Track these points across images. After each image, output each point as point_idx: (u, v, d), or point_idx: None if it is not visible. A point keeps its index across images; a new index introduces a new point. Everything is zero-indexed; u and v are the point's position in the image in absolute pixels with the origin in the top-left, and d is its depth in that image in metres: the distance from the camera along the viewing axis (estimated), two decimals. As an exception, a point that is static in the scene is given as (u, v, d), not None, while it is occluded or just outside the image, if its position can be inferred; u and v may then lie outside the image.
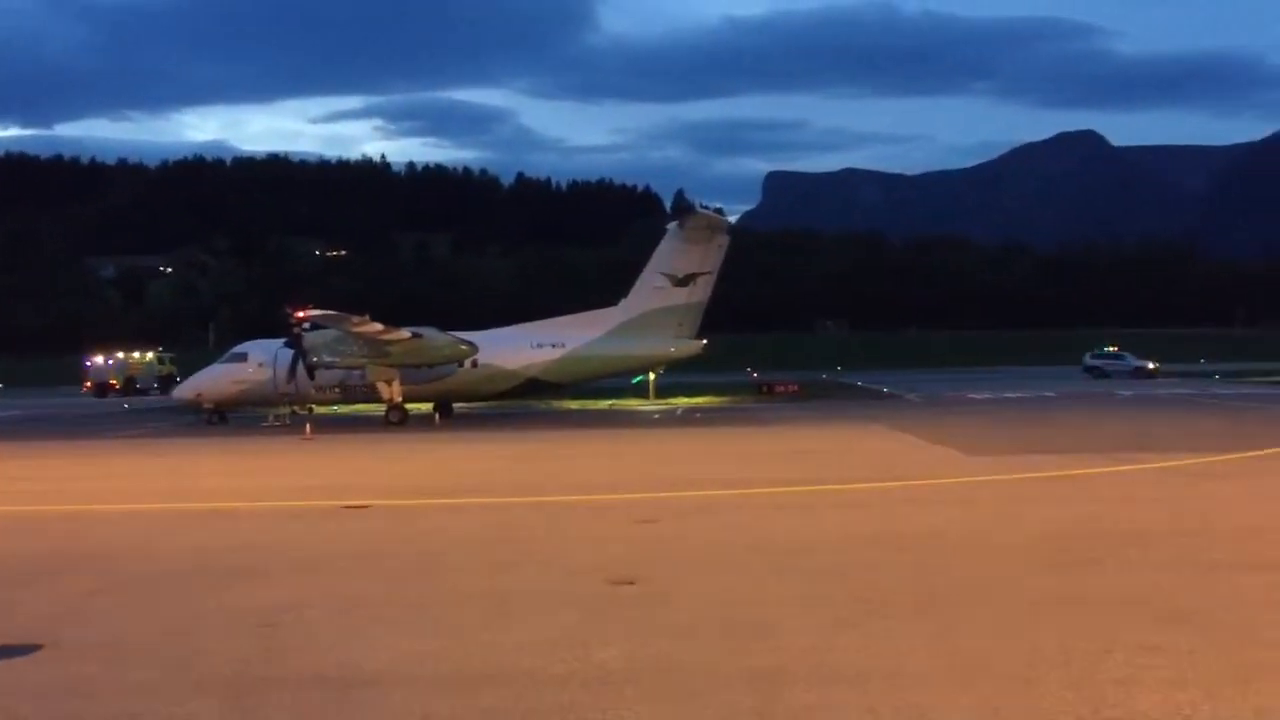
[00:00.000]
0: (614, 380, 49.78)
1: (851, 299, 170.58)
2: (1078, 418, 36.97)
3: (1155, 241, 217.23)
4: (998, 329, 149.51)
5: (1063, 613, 10.03)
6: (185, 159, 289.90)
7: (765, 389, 57.98)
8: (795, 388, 57.85)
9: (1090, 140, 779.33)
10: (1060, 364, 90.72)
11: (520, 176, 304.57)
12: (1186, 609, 10.06)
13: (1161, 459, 22.92)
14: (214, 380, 44.50)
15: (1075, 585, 11.24)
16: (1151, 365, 74.05)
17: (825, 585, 11.50)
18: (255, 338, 47.48)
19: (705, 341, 46.28)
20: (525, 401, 49.01)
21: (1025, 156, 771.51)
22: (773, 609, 10.34)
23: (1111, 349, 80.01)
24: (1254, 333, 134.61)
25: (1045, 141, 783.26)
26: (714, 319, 47.48)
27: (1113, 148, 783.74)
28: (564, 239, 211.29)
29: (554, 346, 44.67)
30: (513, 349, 44.75)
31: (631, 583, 11.67)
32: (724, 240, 46.13)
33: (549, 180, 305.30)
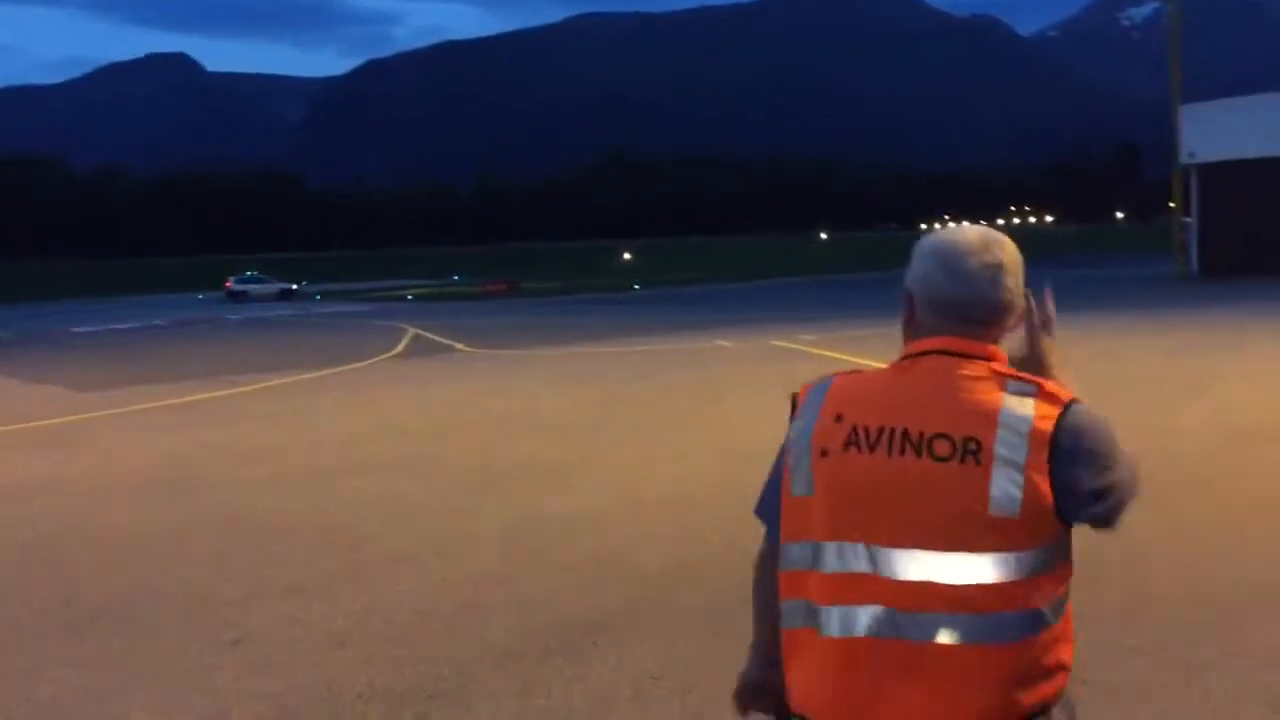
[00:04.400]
0: None
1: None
2: (194, 345, 36.32)
3: (263, 169, 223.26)
4: (101, 258, 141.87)
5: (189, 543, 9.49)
6: None
7: None
8: None
9: (183, 63, 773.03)
10: (183, 291, 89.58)
11: None
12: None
13: (276, 377, 23.35)
14: None
15: (192, 510, 10.76)
16: (295, 287, 77.88)
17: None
18: None
19: None
20: None
21: (118, 76, 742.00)
22: None
23: (252, 273, 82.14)
24: (370, 255, 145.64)
25: (136, 61, 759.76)
26: None
27: (208, 73, 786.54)
28: None
29: None
30: None
31: None
32: None
33: None
